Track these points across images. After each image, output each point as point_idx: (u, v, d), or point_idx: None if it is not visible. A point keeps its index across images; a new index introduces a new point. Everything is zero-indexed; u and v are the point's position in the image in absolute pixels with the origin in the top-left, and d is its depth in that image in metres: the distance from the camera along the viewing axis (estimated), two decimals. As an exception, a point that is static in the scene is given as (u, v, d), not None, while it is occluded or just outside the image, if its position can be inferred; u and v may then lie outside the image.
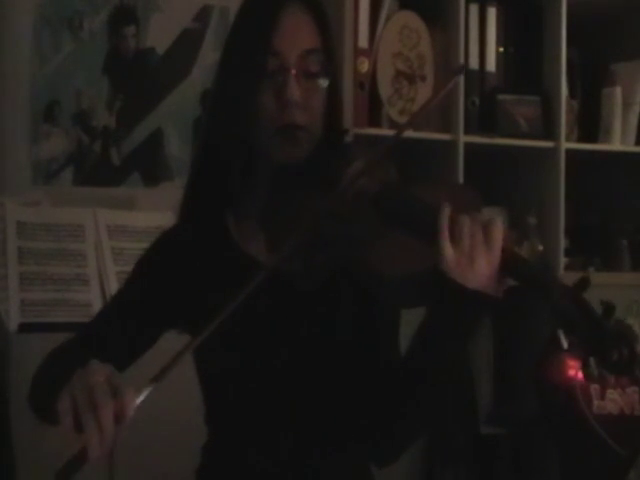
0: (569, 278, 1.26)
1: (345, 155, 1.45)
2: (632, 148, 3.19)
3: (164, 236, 1.54)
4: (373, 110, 2.79)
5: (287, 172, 1.41)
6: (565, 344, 1.32)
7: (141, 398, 1.12)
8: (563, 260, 2.97)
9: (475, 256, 1.25)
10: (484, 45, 2.97)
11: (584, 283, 1.20)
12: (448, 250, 1.26)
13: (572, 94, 3.14)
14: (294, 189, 1.40)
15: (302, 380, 1.44)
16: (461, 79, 2.87)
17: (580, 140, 3.13)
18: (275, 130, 1.40)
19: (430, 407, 1.41)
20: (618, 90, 3.15)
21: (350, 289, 1.43)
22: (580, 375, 2.72)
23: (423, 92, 2.86)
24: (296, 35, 1.41)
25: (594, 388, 2.73)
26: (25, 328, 2.36)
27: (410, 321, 1.45)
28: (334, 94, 1.47)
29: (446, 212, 1.27)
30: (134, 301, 1.51)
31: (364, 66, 2.76)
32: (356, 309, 1.45)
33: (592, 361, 1.31)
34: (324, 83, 1.44)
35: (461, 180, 2.82)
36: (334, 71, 1.46)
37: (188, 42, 3.04)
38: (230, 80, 1.43)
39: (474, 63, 2.95)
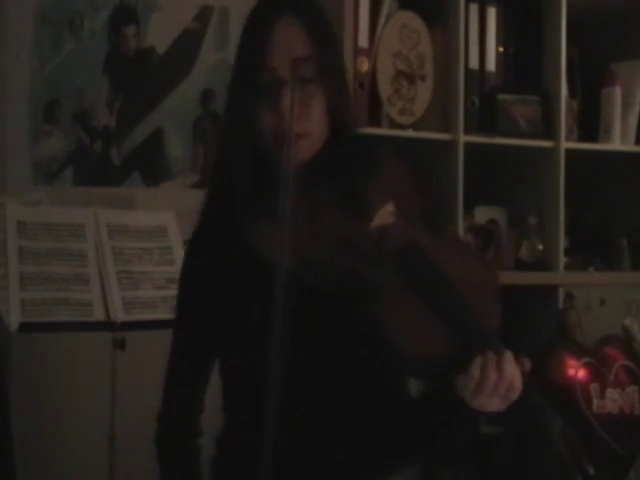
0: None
1: (350, 154, 1.52)
2: (632, 148, 3.18)
3: (194, 249, 1.60)
4: (373, 110, 2.79)
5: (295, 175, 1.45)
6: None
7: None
8: (563, 260, 2.96)
9: (493, 398, 1.42)
10: (484, 45, 2.97)
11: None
12: (471, 390, 1.40)
13: (572, 94, 3.13)
14: (302, 190, 1.42)
15: (316, 380, 1.49)
16: (461, 79, 2.87)
17: (580, 140, 3.12)
18: (275, 140, 1.46)
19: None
20: (618, 90, 3.14)
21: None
22: (580, 374, 2.72)
23: (423, 92, 2.86)
24: (286, 48, 1.47)
25: (594, 387, 2.73)
26: (25, 328, 2.36)
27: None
28: (338, 96, 1.52)
29: (479, 363, 1.39)
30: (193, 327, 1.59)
31: (364, 66, 2.76)
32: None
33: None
34: (320, 89, 1.48)
35: (461, 180, 2.82)
36: (335, 75, 1.52)
37: (188, 42, 3.04)
38: (231, 96, 1.53)
39: (474, 63, 2.94)
